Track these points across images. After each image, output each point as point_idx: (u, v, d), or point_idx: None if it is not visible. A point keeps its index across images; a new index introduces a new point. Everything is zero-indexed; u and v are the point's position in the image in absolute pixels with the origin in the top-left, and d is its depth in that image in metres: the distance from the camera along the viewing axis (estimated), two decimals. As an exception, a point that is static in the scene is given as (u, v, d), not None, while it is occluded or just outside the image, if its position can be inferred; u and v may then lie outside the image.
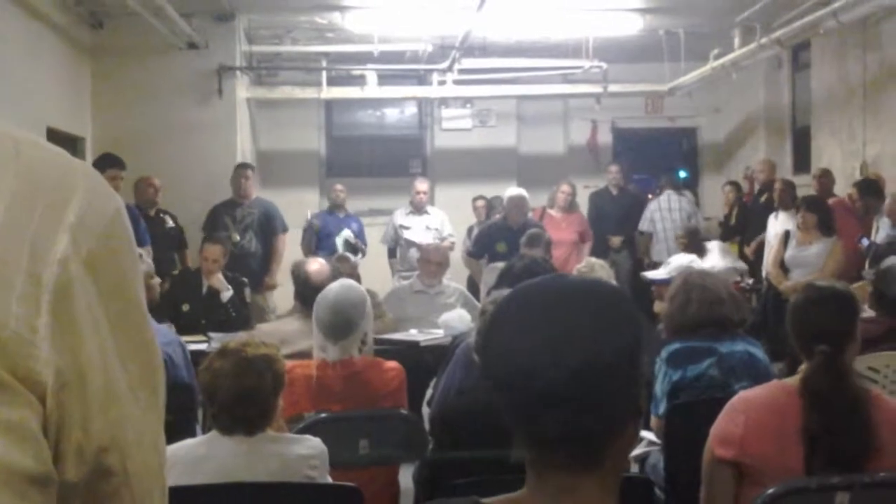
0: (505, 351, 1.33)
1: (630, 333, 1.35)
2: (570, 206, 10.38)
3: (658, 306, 5.48)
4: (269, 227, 9.14)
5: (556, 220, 10.10)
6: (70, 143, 9.47)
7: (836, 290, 3.22)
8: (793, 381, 3.03)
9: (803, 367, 2.99)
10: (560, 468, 1.34)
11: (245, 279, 7.47)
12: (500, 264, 6.36)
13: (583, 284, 1.44)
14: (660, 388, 4.07)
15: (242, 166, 9.51)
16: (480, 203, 10.81)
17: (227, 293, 7.08)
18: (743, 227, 10.50)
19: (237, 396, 2.98)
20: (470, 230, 10.39)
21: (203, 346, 5.95)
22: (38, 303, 0.82)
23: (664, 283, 5.32)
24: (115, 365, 0.88)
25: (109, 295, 0.88)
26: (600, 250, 10.35)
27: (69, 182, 0.87)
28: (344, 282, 4.33)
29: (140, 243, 7.69)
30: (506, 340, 1.33)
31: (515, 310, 1.37)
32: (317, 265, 5.24)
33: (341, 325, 4.01)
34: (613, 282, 6.61)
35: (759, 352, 4.18)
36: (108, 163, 7.90)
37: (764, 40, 9.50)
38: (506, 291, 3.65)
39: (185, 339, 5.69)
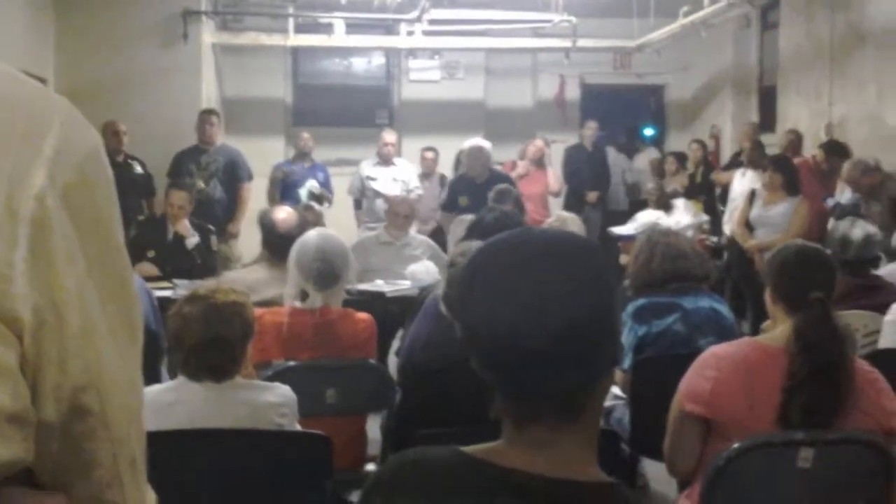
0: (485, 311, 1.33)
1: (606, 289, 1.36)
2: (540, 162, 10.31)
3: (624, 259, 5.52)
4: (234, 174, 9.03)
5: (527, 176, 10.06)
6: (32, 85, 9.33)
7: (819, 249, 3.27)
8: (766, 338, 3.06)
9: (785, 320, 3.00)
10: (540, 422, 1.35)
11: (211, 227, 7.41)
12: (468, 216, 6.33)
13: (557, 240, 1.42)
14: (625, 341, 4.10)
15: (207, 112, 9.37)
16: (430, 155, 10.67)
17: (192, 240, 7.03)
18: (708, 185, 10.56)
19: (206, 342, 2.96)
20: (442, 181, 10.31)
21: (168, 293, 5.93)
22: (14, 238, 0.80)
23: (630, 238, 5.36)
24: (94, 303, 0.86)
25: (86, 231, 0.86)
26: (574, 205, 10.36)
27: (46, 115, 0.85)
28: (323, 231, 4.32)
29: None
30: (485, 300, 1.33)
31: (492, 268, 1.36)
32: (283, 213, 5.21)
33: (329, 274, 4.00)
34: (583, 234, 6.65)
35: (723, 308, 4.23)
36: None
37: (734, -1, 9.49)
38: (475, 244, 3.66)
39: (150, 285, 5.68)
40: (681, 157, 11.20)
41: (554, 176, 10.32)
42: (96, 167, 0.89)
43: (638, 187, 11.70)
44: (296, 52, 12.60)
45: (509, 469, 1.35)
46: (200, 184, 8.75)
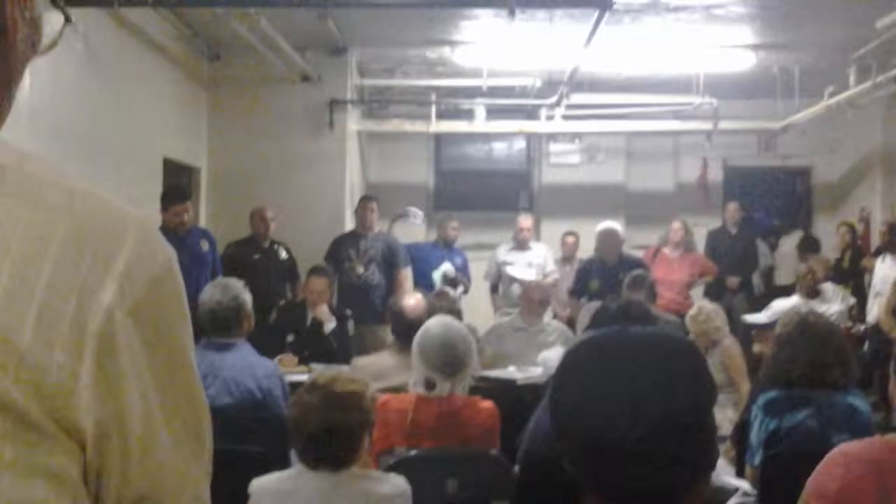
0: (582, 406, 1.33)
1: (703, 389, 1.36)
2: (687, 246, 10.10)
3: (757, 349, 5.37)
4: (392, 261, 9.14)
5: (669, 260, 9.87)
6: (186, 173, 9.75)
7: None
8: (898, 437, 2.93)
9: None
10: None
11: (349, 312, 7.55)
12: (596, 304, 6.28)
13: (654, 338, 1.43)
14: (755, 436, 3.98)
15: (366, 199, 9.53)
16: (570, 239, 10.64)
17: (329, 325, 7.18)
18: (857, 270, 10.23)
19: (323, 431, 3.01)
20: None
21: (304, 377, 6.05)
22: (81, 351, 0.84)
23: (766, 327, 5.21)
24: (158, 415, 0.89)
25: (154, 346, 0.89)
26: (715, 291, 10.13)
27: (120, 232, 0.89)
28: (444, 319, 4.34)
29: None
30: (579, 396, 1.33)
31: (587, 364, 1.37)
32: (413, 300, 5.28)
33: (452, 361, 4.03)
34: (726, 327, 6.49)
35: (861, 403, 4.04)
36: (170, 199, 7.87)
37: (880, 78, 9.27)
38: (599, 332, 3.63)
39: (287, 370, 5.81)
40: (813, 244, 10.88)
41: (706, 265, 10.07)
42: (168, 284, 0.92)
43: (771, 272, 11.39)
44: (438, 137, 12.84)
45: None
46: (360, 269, 8.91)
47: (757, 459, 3.92)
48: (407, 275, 9.25)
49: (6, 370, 0.81)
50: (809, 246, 11.06)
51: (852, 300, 9.21)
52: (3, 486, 0.79)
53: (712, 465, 1.40)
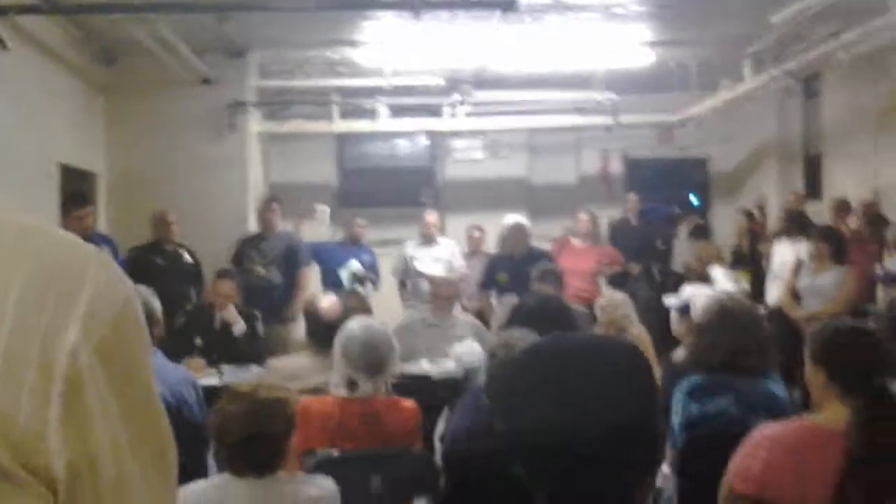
0: (531, 416, 1.34)
1: (648, 394, 1.39)
2: (595, 238, 10.19)
3: (677, 330, 5.45)
4: (293, 260, 9.13)
5: (576, 250, 9.95)
6: (83, 178, 9.55)
7: (870, 330, 3.25)
8: (819, 420, 3.02)
9: (836, 400, 2.97)
10: None
11: (257, 313, 7.48)
12: (512, 298, 6.33)
13: (600, 346, 1.47)
14: (677, 420, 4.04)
15: (270, 200, 9.53)
16: (476, 233, 10.68)
17: (238, 326, 7.11)
18: (755, 255, 10.48)
19: (248, 439, 2.98)
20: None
21: (215, 381, 5.98)
22: (48, 395, 0.82)
23: (685, 311, 5.32)
24: (127, 452, 0.88)
25: (120, 382, 0.88)
26: (618, 279, 10.28)
27: (79, 271, 0.88)
28: (366, 321, 4.35)
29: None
30: (531, 405, 1.35)
31: (537, 373, 1.38)
32: (327, 302, 5.25)
33: (376, 361, 4.04)
34: (634, 315, 6.60)
35: (779, 389, 4.11)
36: (71, 204, 7.74)
37: (775, 71, 9.52)
38: (517, 333, 3.67)
39: (197, 374, 5.73)
40: (702, 231, 11.15)
41: (614, 256, 10.19)
42: (130, 319, 0.91)
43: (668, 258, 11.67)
44: (341, 137, 12.80)
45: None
46: (260, 270, 8.86)
47: (679, 443, 3.99)
48: (308, 274, 9.26)
49: None
50: (699, 233, 11.31)
51: (744, 284, 9.39)
52: None
53: (659, 463, 1.43)
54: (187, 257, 8.92)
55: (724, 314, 4.15)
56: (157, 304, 4.64)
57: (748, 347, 4.05)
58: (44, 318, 0.83)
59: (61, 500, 0.83)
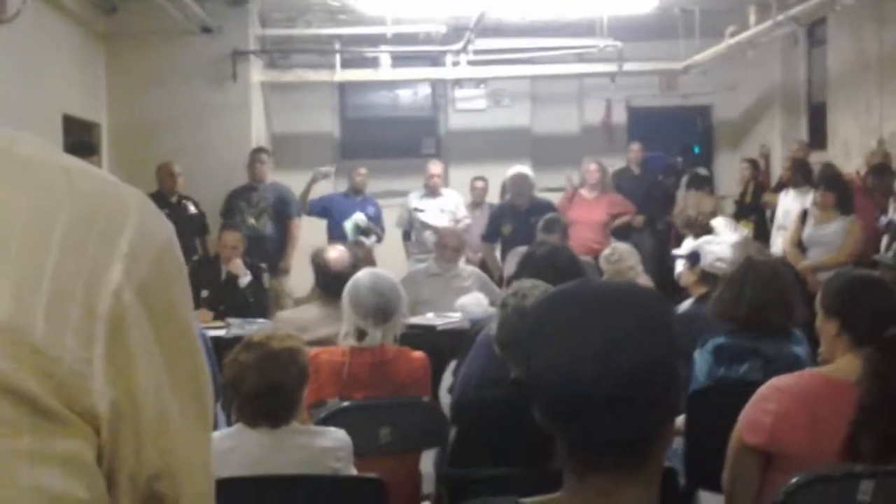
0: (551, 360, 1.35)
1: (670, 338, 1.39)
2: (604, 187, 10.15)
3: (685, 280, 5.43)
4: (284, 211, 9.15)
5: (587, 201, 9.91)
6: (86, 129, 9.51)
7: (882, 280, 3.26)
8: (830, 370, 3.03)
9: (847, 351, 2.97)
10: (604, 471, 1.37)
11: (263, 265, 7.49)
12: (521, 249, 6.29)
13: (621, 291, 1.47)
14: (701, 375, 4.04)
15: (257, 150, 9.51)
16: (479, 184, 10.67)
17: (245, 279, 7.12)
18: (759, 205, 10.46)
19: (262, 389, 3.00)
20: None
21: (222, 332, 6.00)
22: (92, 335, 0.82)
23: (694, 259, 5.30)
24: (167, 393, 0.89)
25: (161, 323, 0.88)
26: (621, 230, 10.26)
27: (121, 211, 0.88)
28: (372, 269, 4.37)
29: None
30: (551, 349, 1.36)
31: (557, 318, 1.39)
32: (336, 252, 5.25)
33: (385, 309, 4.05)
34: (640, 266, 6.60)
35: (803, 351, 4.06)
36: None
37: (780, 17, 9.44)
38: (527, 283, 3.67)
39: (204, 325, 5.75)
40: (700, 181, 11.09)
41: (623, 204, 10.14)
42: (170, 259, 0.91)
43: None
44: (343, 86, 12.71)
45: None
46: (251, 221, 8.86)
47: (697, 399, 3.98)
48: (298, 224, 9.27)
49: (21, 362, 0.79)
50: (698, 182, 11.26)
51: (746, 232, 9.31)
52: (23, 475, 0.78)
53: (679, 410, 1.44)
54: (192, 208, 8.92)
55: (747, 268, 4.14)
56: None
57: (773, 302, 4.02)
58: (87, 258, 0.83)
59: (103, 439, 0.84)
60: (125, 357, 0.84)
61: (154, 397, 0.87)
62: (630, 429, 1.34)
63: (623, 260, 6.46)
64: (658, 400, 1.35)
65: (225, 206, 9.14)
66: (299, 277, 8.72)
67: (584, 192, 10.02)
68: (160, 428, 0.88)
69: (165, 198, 8.58)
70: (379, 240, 9.55)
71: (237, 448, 3.00)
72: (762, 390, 3.01)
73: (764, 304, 4.02)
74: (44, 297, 0.81)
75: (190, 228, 8.65)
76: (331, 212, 9.66)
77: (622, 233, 9.98)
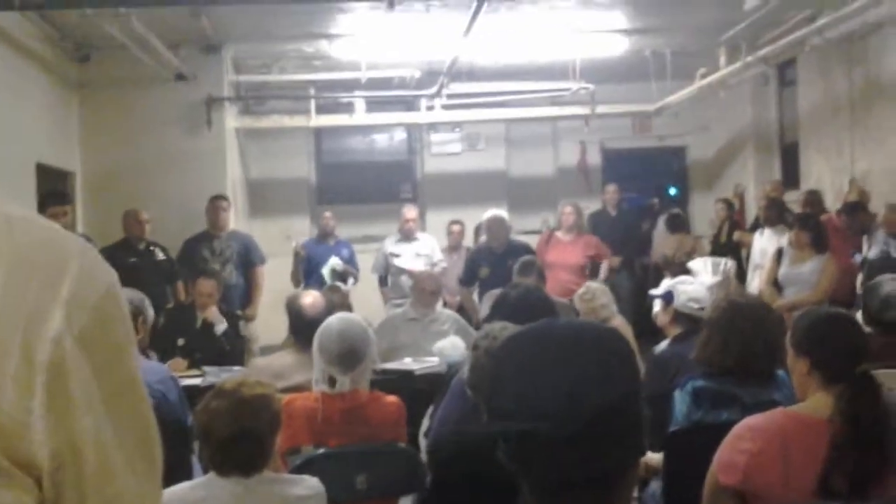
0: (515, 399, 1.34)
1: (632, 377, 1.39)
2: (580, 229, 10.15)
3: (660, 319, 5.40)
4: (248, 259, 9.07)
5: (563, 244, 9.92)
6: (60, 177, 9.47)
7: (851, 317, 3.25)
8: (801, 409, 3.02)
9: (819, 389, 2.97)
10: None
11: (239, 312, 7.45)
12: (496, 292, 6.29)
13: (583, 330, 1.46)
14: (680, 415, 4.01)
15: (217, 198, 9.32)
16: (456, 228, 10.69)
17: (220, 326, 7.08)
18: (734, 245, 10.51)
19: (234, 436, 2.96)
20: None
21: (198, 381, 5.95)
22: (31, 383, 0.81)
23: (668, 298, 5.28)
24: (111, 440, 0.87)
25: (103, 370, 0.87)
26: (598, 272, 10.25)
27: (63, 258, 0.87)
28: (343, 315, 4.33)
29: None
30: (514, 389, 1.35)
31: (521, 357, 1.39)
32: (310, 298, 5.22)
33: (351, 355, 4.00)
34: (614, 305, 6.60)
35: (783, 395, 4.01)
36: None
37: (750, 58, 9.56)
38: (499, 325, 3.66)
39: (179, 374, 5.70)
40: (678, 222, 11.19)
41: (599, 248, 10.11)
42: (112, 305, 0.91)
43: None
44: (318, 132, 12.77)
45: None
46: (217, 269, 8.73)
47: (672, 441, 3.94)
48: (263, 272, 9.19)
49: None
50: (675, 224, 11.33)
51: (731, 267, 9.30)
52: None
53: (643, 451, 1.43)
54: (160, 255, 8.81)
55: (736, 314, 4.07)
56: (150, 312, 4.65)
57: (761, 350, 3.98)
58: (26, 305, 0.83)
59: (45, 490, 0.83)
60: (65, 406, 0.83)
61: (96, 445, 0.85)
62: (593, 468, 1.33)
63: (596, 298, 6.48)
64: (621, 439, 1.34)
65: (183, 252, 9.00)
66: (265, 324, 8.70)
67: (559, 234, 10.03)
68: (104, 477, 0.86)
69: (133, 245, 8.52)
70: (355, 281, 9.53)
71: (208, 498, 2.95)
72: (736, 430, 3.00)
73: (752, 352, 3.98)
74: None
75: (159, 275, 8.57)
76: (308, 259, 9.64)
77: (598, 273, 9.98)
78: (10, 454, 0.80)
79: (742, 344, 3.96)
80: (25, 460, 0.81)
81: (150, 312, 4.62)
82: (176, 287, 8.81)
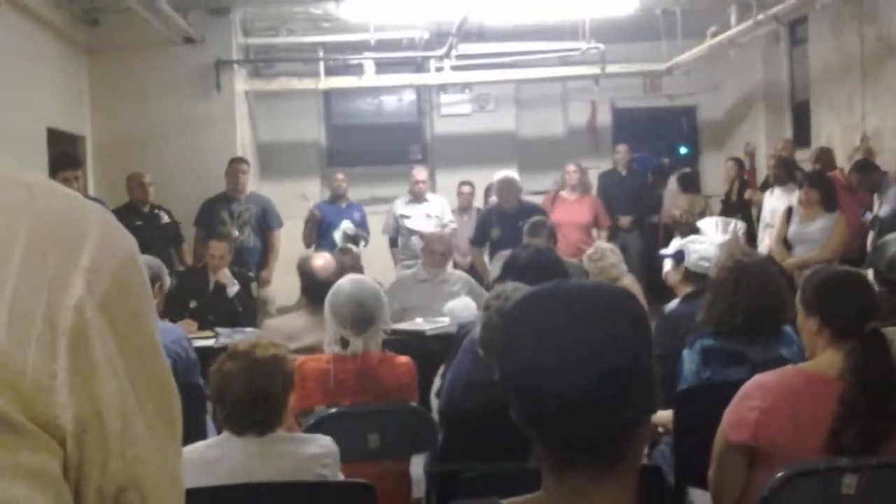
0: (526, 360, 1.36)
1: (643, 337, 1.39)
2: (584, 188, 10.20)
3: (671, 279, 5.40)
4: (266, 222, 9.10)
5: (568, 203, 9.96)
6: (70, 142, 9.48)
7: (860, 275, 3.26)
8: (811, 366, 3.04)
9: (828, 346, 2.99)
10: (581, 470, 1.38)
11: (251, 274, 7.48)
12: (507, 252, 6.30)
13: (595, 291, 1.47)
14: (689, 374, 4.03)
15: (238, 160, 9.40)
16: (466, 189, 10.69)
17: (233, 288, 7.11)
18: (744, 203, 10.49)
19: (248, 398, 3.00)
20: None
21: (211, 342, 6.00)
22: (55, 348, 0.83)
23: (679, 258, 5.27)
24: (132, 404, 0.89)
25: (124, 335, 0.89)
26: (610, 232, 10.28)
27: (83, 226, 0.89)
28: (355, 276, 4.36)
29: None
30: (526, 349, 1.36)
31: (532, 318, 1.40)
32: (322, 260, 5.26)
33: (363, 318, 4.03)
34: (623, 265, 6.61)
35: (791, 351, 4.03)
36: (59, 165, 7.73)
37: (760, 16, 9.48)
38: (510, 285, 3.68)
39: (192, 335, 5.75)
40: (689, 181, 11.17)
41: (601, 213, 10.15)
42: (132, 271, 0.93)
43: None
44: (327, 94, 12.74)
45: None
46: (234, 232, 8.80)
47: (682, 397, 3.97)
48: (280, 236, 9.23)
49: None
50: (686, 183, 11.32)
51: (742, 227, 9.28)
52: None
53: (654, 409, 1.44)
54: (165, 218, 8.84)
55: (741, 274, 4.07)
56: (166, 279, 4.70)
57: (767, 309, 3.99)
58: (48, 272, 0.84)
59: (69, 451, 0.85)
60: (88, 370, 0.85)
61: (118, 409, 0.87)
62: (605, 428, 1.34)
63: (605, 258, 6.48)
64: (633, 399, 1.35)
65: (202, 214, 9.05)
66: (281, 286, 8.74)
67: (564, 193, 10.07)
68: (126, 440, 0.88)
69: (137, 208, 8.55)
70: (366, 244, 9.56)
71: (224, 457, 3.00)
72: (745, 388, 3.03)
73: (759, 311, 3.99)
74: (5, 312, 0.82)
75: (164, 238, 8.61)
76: (321, 221, 9.66)
77: (609, 234, 10.00)
78: (36, 418, 0.82)
79: (748, 303, 3.98)
80: (50, 423, 0.83)
81: (167, 279, 4.66)
82: (181, 250, 8.84)
